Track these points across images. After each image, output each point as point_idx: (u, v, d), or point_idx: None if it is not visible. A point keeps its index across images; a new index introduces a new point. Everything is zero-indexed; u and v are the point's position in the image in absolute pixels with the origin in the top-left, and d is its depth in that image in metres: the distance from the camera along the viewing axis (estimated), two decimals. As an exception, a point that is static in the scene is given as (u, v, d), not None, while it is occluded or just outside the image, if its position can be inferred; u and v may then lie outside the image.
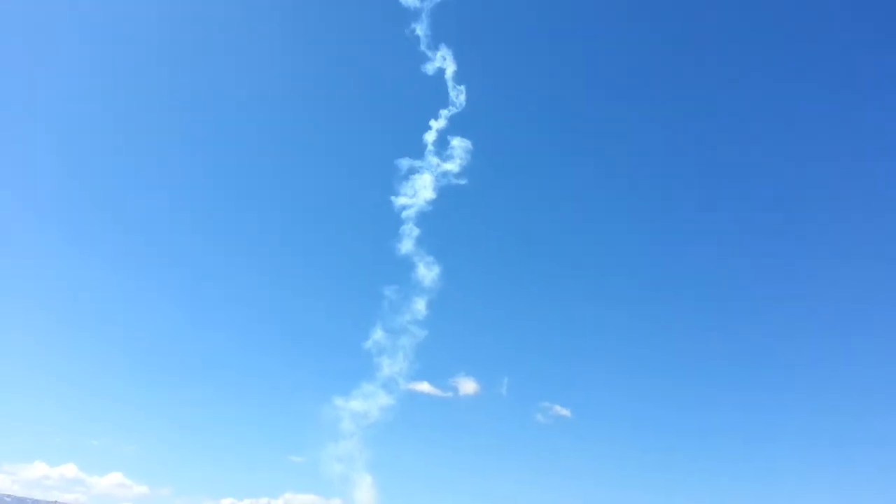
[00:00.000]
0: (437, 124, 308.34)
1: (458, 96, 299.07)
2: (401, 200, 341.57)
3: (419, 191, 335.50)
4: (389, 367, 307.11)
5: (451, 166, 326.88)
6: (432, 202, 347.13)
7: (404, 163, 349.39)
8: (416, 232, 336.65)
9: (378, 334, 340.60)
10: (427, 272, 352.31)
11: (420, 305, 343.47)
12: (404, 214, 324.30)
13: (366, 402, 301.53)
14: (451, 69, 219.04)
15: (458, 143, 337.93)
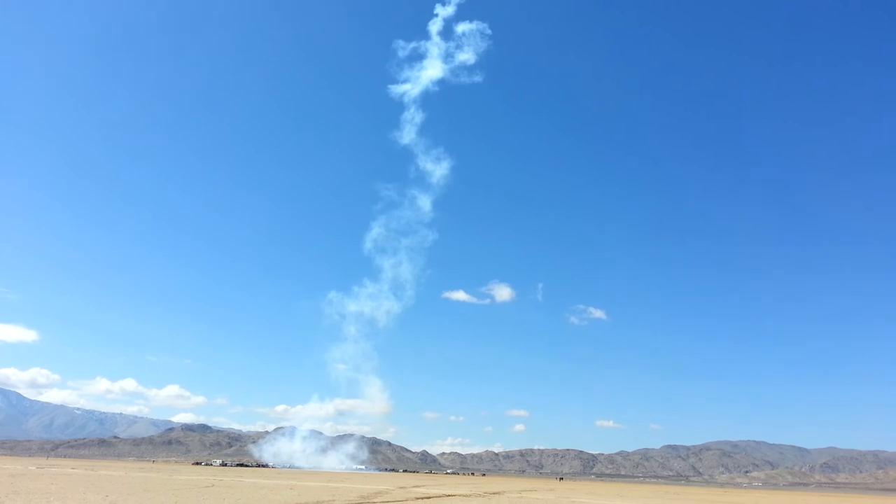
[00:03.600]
0: (444, 11, 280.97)
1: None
2: (402, 88, 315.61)
3: (424, 70, 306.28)
4: (394, 269, 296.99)
5: (466, 56, 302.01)
6: (439, 82, 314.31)
7: (405, 46, 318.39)
8: (419, 118, 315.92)
9: (376, 232, 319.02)
10: (434, 167, 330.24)
11: (425, 204, 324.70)
12: (406, 98, 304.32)
13: (377, 305, 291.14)
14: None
15: (469, 28, 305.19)
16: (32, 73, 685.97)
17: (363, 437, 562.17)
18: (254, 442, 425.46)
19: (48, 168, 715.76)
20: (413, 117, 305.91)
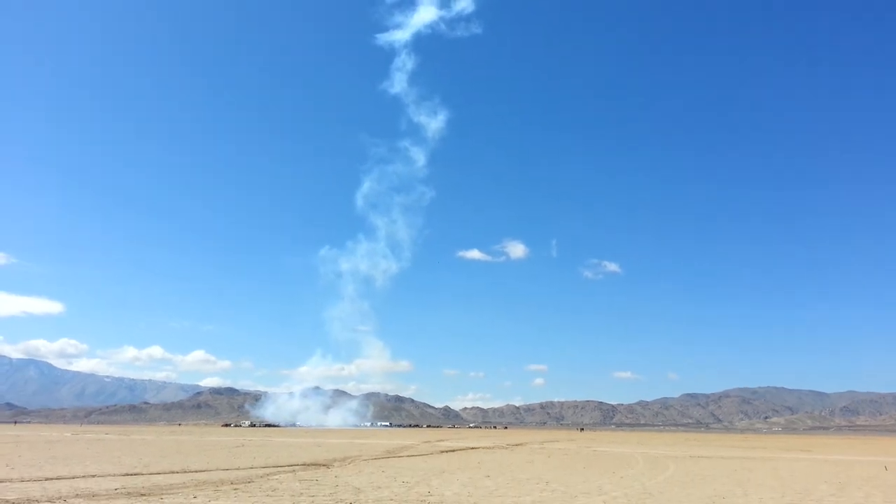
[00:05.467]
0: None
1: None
2: (391, 35, 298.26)
3: (417, 14, 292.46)
4: (388, 227, 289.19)
5: (464, 4, 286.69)
6: (434, 29, 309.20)
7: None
8: (410, 64, 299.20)
9: (367, 185, 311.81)
10: (429, 119, 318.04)
11: (419, 158, 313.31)
12: (396, 45, 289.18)
13: (374, 263, 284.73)
14: None
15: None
16: (37, 70, 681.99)
17: (386, 395, 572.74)
18: (252, 403, 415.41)
19: (64, 145, 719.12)
20: (404, 63, 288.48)
